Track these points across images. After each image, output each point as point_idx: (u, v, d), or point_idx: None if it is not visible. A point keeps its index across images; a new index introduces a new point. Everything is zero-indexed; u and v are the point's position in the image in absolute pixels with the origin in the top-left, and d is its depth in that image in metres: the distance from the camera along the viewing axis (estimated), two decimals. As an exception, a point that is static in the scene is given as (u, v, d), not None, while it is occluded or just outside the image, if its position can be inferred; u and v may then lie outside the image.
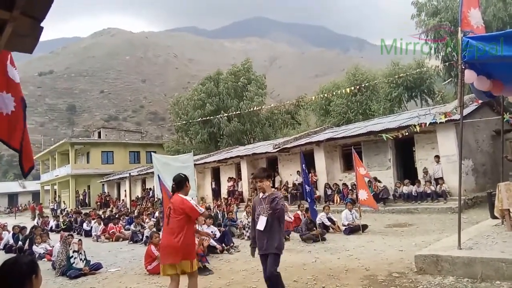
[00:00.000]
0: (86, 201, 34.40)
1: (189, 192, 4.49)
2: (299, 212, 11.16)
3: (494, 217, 7.18)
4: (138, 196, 27.45)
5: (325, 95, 22.47)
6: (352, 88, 19.62)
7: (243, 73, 32.57)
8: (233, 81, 32.09)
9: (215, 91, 32.47)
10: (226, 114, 27.98)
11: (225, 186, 21.50)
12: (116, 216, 16.82)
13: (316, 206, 9.24)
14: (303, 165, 9.67)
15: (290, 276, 5.85)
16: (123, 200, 28.80)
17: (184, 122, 32.75)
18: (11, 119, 3.11)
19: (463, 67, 5.28)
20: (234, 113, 27.88)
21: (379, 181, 14.35)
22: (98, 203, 29.55)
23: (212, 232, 9.03)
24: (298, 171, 17.32)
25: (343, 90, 19.12)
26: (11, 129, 3.13)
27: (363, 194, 10.39)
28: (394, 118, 17.02)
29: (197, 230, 4.60)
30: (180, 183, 4.43)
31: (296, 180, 17.42)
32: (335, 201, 15.25)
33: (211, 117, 29.48)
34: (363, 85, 21.88)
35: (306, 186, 9.66)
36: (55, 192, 39.02)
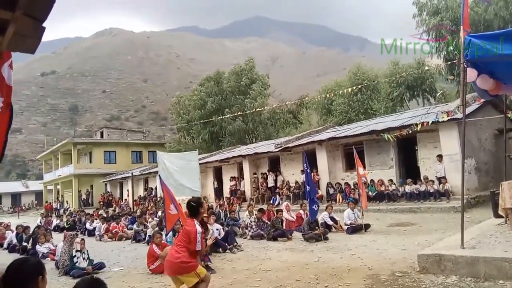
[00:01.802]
0: (89, 200, 34.50)
1: (202, 215, 4.49)
2: (301, 211, 11.17)
3: (497, 216, 7.16)
4: (140, 195, 27.51)
5: (327, 94, 22.42)
6: (354, 88, 19.58)
7: (246, 73, 32.58)
8: (235, 80, 32.10)
9: (216, 90, 32.50)
10: (229, 115, 27.93)
11: (227, 186, 21.51)
12: (119, 215, 16.88)
13: (315, 206, 9.20)
14: (305, 165, 9.68)
15: (293, 275, 5.85)
16: (125, 199, 28.86)
17: (185, 122, 32.80)
18: None
19: (465, 65, 5.27)
20: (236, 114, 27.86)
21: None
22: (101, 203, 29.63)
23: (217, 229, 9.05)
24: (302, 170, 17.35)
25: (345, 90, 19.08)
26: None
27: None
28: (396, 117, 16.98)
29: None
30: (193, 209, 4.37)
31: (300, 179, 17.43)
32: (338, 201, 15.24)
33: (213, 118, 29.43)
34: (364, 84, 21.82)
35: (306, 186, 9.67)
36: (58, 192, 39.13)
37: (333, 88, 28.90)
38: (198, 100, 32.12)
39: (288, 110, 34.46)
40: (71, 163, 35.34)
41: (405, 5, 25.97)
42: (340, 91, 21.19)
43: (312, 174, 16.86)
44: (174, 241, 4.48)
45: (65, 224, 17.35)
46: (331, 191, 16.04)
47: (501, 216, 6.82)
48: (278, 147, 18.33)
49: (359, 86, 21.83)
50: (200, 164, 22.73)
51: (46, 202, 36.58)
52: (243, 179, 20.73)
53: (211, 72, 36.38)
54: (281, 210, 10.94)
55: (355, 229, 9.59)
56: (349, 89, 18.75)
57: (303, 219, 10.35)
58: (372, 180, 14.93)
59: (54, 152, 39.80)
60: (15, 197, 52.70)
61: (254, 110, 25.89)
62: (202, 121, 30.02)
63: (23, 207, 46.58)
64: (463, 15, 5.79)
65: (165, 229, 9.57)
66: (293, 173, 18.55)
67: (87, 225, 15.20)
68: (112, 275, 7.21)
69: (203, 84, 34.10)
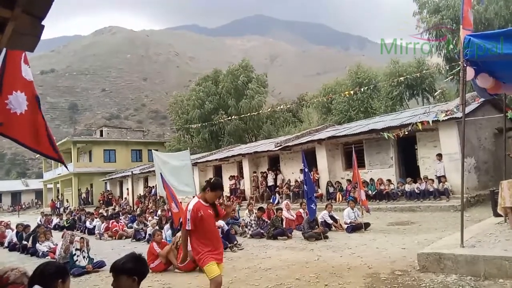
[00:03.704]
0: (89, 199, 34.51)
1: (212, 197, 4.05)
2: (301, 210, 11.17)
3: (496, 215, 7.17)
4: (140, 194, 27.52)
5: (327, 93, 22.37)
6: (352, 92, 19.47)
7: (241, 72, 32.54)
8: (231, 80, 32.03)
9: (214, 90, 32.44)
10: (229, 118, 27.84)
11: (227, 185, 21.50)
12: (119, 214, 16.90)
13: (313, 205, 9.23)
14: (304, 164, 9.74)
15: (293, 274, 5.85)
16: (125, 198, 28.87)
17: (184, 122, 32.76)
18: (25, 118, 3.12)
19: (465, 64, 5.26)
20: (234, 115, 27.80)
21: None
22: (101, 202, 29.64)
23: (218, 228, 9.06)
24: (301, 169, 17.40)
25: (345, 93, 18.98)
26: (26, 129, 3.13)
27: (362, 194, 10.44)
28: (395, 116, 16.98)
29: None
30: (204, 187, 4.11)
31: (299, 178, 17.43)
32: (337, 199, 15.25)
33: (212, 120, 29.37)
34: (365, 87, 21.80)
35: (304, 186, 9.70)
36: (58, 190, 39.14)
37: (333, 87, 28.89)
38: (196, 100, 32.13)
39: (288, 109, 34.47)
40: (71, 162, 35.32)
41: (406, 3, 25.91)
42: (341, 93, 21.10)
43: (311, 173, 16.89)
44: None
45: (65, 222, 17.37)
46: (331, 190, 16.04)
47: (501, 215, 6.83)
48: (278, 146, 18.33)
49: (360, 89, 21.76)
50: (200, 162, 22.92)
51: (52, 200, 36.65)
52: (243, 178, 20.73)
53: (211, 71, 36.37)
54: (281, 209, 10.93)
55: (355, 228, 9.59)
56: (349, 92, 18.66)
57: (303, 218, 10.36)
58: (371, 179, 14.95)
59: (53, 150, 39.72)
60: (15, 196, 52.73)
61: (253, 112, 25.84)
62: (201, 123, 29.93)
63: (23, 206, 46.59)
64: (463, 14, 5.79)
65: (165, 226, 9.60)
66: (293, 172, 18.55)
67: (87, 224, 15.21)
68: (112, 274, 7.20)
69: (201, 83, 34.09)
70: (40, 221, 17.86)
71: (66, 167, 4.01)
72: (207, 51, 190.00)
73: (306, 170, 9.49)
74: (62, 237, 8.45)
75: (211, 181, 4.15)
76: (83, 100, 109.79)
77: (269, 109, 28.56)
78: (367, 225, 9.76)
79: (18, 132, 3.11)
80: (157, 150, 25.18)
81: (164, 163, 11.02)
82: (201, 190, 4.18)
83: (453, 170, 12.41)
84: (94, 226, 14.29)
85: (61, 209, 30.29)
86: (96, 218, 15.27)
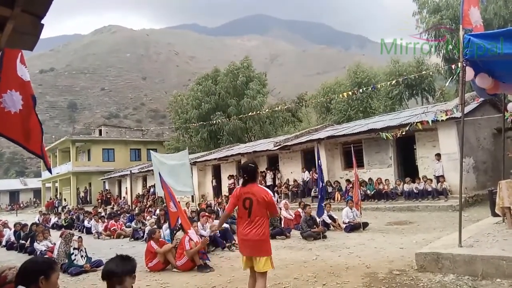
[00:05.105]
0: (87, 198, 34.49)
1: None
2: (299, 209, 11.18)
3: (495, 215, 7.18)
4: (139, 193, 27.52)
5: (326, 93, 22.35)
6: (350, 93, 19.44)
7: (242, 71, 32.49)
8: (231, 79, 31.98)
9: (213, 89, 32.43)
10: (228, 118, 27.81)
11: (225, 184, 21.51)
12: (117, 213, 16.88)
13: (323, 203, 9.33)
14: (319, 161, 9.90)
15: (291, 274, 5.86)
16: (124, 197, 28.86)
17: (184, 121, 32.72)
18: (19, 117, 3.13)
19: (464, 64, 5.27)
20: (235, 115, 27.79)
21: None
22: (99, 201, 29.63)
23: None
24: (303, 168, 17.46)
25: (344, 94, 19.00)
26: (19, 127, 3.14)
27: (358, 195, 10.47)
28: (395, 116, 17.00)
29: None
30: (252, 172, 4.07)
31: (298, 178, 17.44)
32: (336, 199, 15.27)
33: (211, 118, 29.36)
34: (364, 88, 21.81)
35: (320, 182, 9.80)
36: (56, 189, 39.10)
37: (332, 87, 28.92)
38: (194, 100, 32.10)
39: (287, 109, 34.47)
40: (70, 161, 35.30)
41: (406, 3, 25.98)
42: (340, 94, 21.12)
43: (310, 172, 16.92)
44: (245, 222, 3.99)
45: (63, 221, 17.35)
46: (330, 189, 16.05)
47: (499, 215, 6.85)
48: (277, 146, 18.33)
49: (359, 90, 21.73)
50: (199, 162, 22.90)
51: (50, 198, 36.59)
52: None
53: (210, 70, 36.30)
54: (280, 208, 10.95)
55: (353, 227, 9.60)
56: (349, 93, 18.66)
57: (302, 217, 10.36)
58: (370, 179, 14.97)
59: (52, 149, 39.69)
60: (14, 195, 52.68)
61: (254, 111, 25.80)
62: (200, 123, 29.91)
63: (21, 205, 46.54)
64: (463, 13, 5.80)
65: (164, 225, 9.58)
66: (291, 172, 18.55)
67: (85, 223, 15.19)
68: (111, 273, 7.20)
69: (201, 82, 34.05)
70: (38, 220, 17.83)
71: (50, 171, 3.96)
72: (207, 50, 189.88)
73: (321, 165, 9.55)
74: (60, 236, 8.45)
75: (254, 164, 4.20)
76: (82, 99, 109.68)
77: (267, 110, 28.52)
78: (365, 224, 9.77)
79: (13, 131, 3.12)
80: (155, 149, 25.18)
81: (162, 164, 11.03)
82: (250, 179, 4.10)
83: (451, 170, 12.44)
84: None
85: (60, 208, 30.27)
86: (95, 216, 15.26)
